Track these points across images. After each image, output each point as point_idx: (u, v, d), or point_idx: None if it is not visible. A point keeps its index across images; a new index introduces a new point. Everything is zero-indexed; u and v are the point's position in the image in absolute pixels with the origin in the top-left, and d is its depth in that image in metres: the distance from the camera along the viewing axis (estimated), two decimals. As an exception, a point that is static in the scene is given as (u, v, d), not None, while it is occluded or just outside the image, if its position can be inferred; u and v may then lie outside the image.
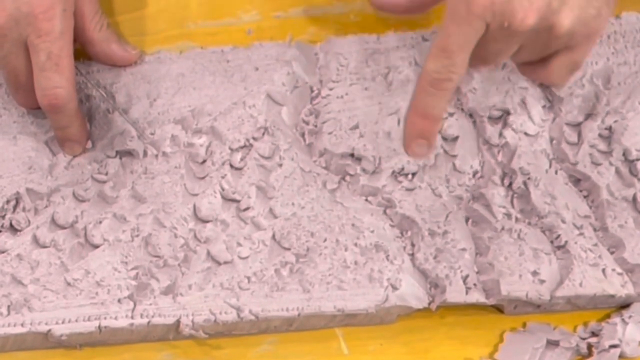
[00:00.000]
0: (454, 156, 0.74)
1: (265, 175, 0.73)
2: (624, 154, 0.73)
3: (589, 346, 0.70)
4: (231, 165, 0.73)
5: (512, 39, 0.65)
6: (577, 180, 0.74)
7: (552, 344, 0.69)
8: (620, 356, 0.69)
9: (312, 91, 0.77)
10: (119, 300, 0.69)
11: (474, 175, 0.74)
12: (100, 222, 0.71)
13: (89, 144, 0.74)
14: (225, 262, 0.70)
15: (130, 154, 0.74)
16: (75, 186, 0.73)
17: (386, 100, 0.75)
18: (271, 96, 0.75)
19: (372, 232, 0.71)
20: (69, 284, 0.69)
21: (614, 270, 0.70)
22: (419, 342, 0.71)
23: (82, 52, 0.76)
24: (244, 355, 0.70)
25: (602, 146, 0.74)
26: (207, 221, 0.71)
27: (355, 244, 0.71)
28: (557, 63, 0.68)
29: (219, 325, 0.69)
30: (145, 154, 0.73)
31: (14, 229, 0.72)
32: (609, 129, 0.74)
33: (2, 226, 0.71)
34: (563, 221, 0.71)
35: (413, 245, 0.71)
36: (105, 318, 0.68)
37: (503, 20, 0.63)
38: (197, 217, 0.72)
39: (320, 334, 0.71)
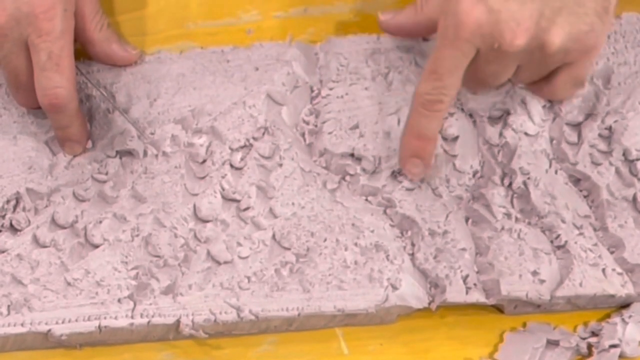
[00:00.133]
0: (454, 156, 0.74)
1: (265, 175, 0.73)
2: (624, 154, 0.73)
3: (589, 346, 0.70)
4: (231, 165, 0.73)
5: (505, 60, 0.67)
6: (577, 180, 0.74)
7: (552, 343, 0.69)
8: (620, 356, 0.69)
9: (312, 91, 0.77)
10: (119, 300, 0.69)
11: (474, 175, 0.74)
12: (101, 222, 0.71)
13: (89, 144, 0.74)
14: (225, 262, 0.70)
15: (130, 153, 0.74)
16: (76, 186, 0.73)
17: (386, 100, 0.75)
18: (271, 96, 0.75)
19: (372, 232, 0.71)
20: (69, 283, 0.69)
21: (614, 270, 0.70)
22: (419, 342, 0.71)
23: (83, 52, 0.76)
24: (244, 355, 0.70)
25: (602, 146, 0.74)
26: (207, 221, 0.71)
27: (355, 244, 0.71)
28: (559, 80, 0.70)
29: (219, 325, 0.69)
30: (145, 153, 0.73)
31: (14, 229, 0.72)
32: (609, 129, 0.74)
33: (2, 226, 0.72)
34: (563, 221, 0.71)
35: (413, 245, 0.71)
36: (105, 318, 0.68)
37: (492, 42, 0.65)
38: (197, 217, 0.72)
39: (320, 334, 0.71)
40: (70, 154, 0.74)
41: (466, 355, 0.70)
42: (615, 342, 0.68)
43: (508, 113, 0.75)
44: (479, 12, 0.65)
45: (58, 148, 0.74)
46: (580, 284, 0.69)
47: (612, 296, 0.69)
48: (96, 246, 0.70)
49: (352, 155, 0.74)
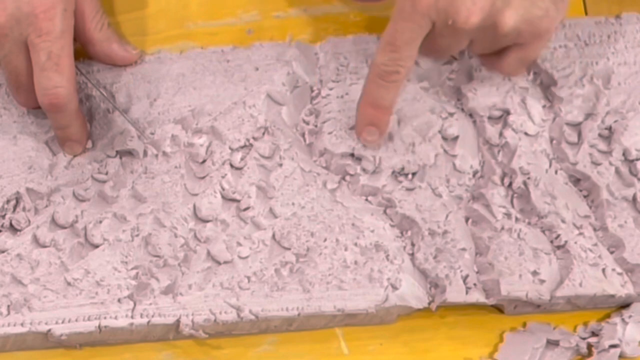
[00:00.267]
0: (454, 156, 0.74)
1: (265, 175, 0.73)
2: (624, 154, 0.73)
3: (589, 346, 0.70)
4: (231, 165, 0.73)
5: (459, 35, 0.68)
6: (577, 180, 0.74)
7: (552, 343, 0.69)
8: (620, 356, 0.69)
9: (312, 91, 0.77)
10: (119, 300, 0.69)
11: (474, 175, 0.74)
12: (101, 222, 0.71)
13: (89, 144, 0.74)
14: (225, 262, 0.70)
15: (130, 153, 0.74)
16: (76, 186, 0.73)
17: (386, 100, 0.75)
18: (271, 96, 0.75)
19: (372, 231, 0.71)
20: (69, 283, 0.69)
21: (614, 270, 0.70)
22: (419, 342, 0.71)
23: (83, 52, 0.76)
24: (244, 355, 0.70)
25: (602, 146, 0.74)
26: (207, 221, 0.71)
27: (355, 244, 0.71)
28: (509, 57, 0.71)
29: (219, 325, 0.69)
30: (145, 153, 0.73)
31: (14, 229, 0.72)
32: (609, 129, 0.74)
33: (2, 226, 0.72)
34: (563, 221, 0.71)
35: (413, 245, 0.71)
36: (105, 318, 0.68)
37: (447, 18, 0.66)
38: (197, 217, 0.72)
39: (320, 334, 0.71)
40: (70, 154, 0.74)
41: (466, 355, 0.70)
42: (615, 342, 0.68)
43: (508, 113, 0.75)
44: None
45: (58, 148, 0.74)
46: (580, 284, 0.69)
47: (612, 296, 0.69)
48: (96, 246, 0.70)
49: (352, 155, 0.74)
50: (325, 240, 0.71)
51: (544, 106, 0.75)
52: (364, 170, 0.73)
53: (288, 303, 0.69)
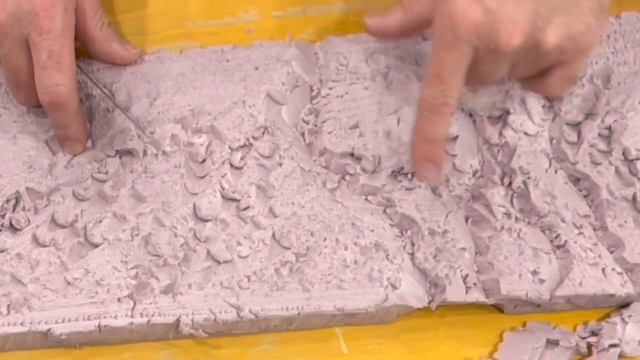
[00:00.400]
0: (454, 156, 0.74)
1: (265, 175, 0.73)
2: (624, 154, 0.73)
3: (589, 346, 0.70)
4: (231, 165, 0.73)
5: (501, 59, 0.67)
6: (577, 180, 0.74)
7: (552, 343, 0.69)
8: (620, 356, 0.69)
9: (312, 91, 0.77)
10: (119, 300, 0.68)
11: (474, 175, 0.74)
12: (101, 222, 0.71)
13: (89, 143, 0.74)
14: (225, 262, 0.70)
15: (130, 153, 0.74)
16: (76, 185, 0.73)
17: (386, 100, 0.75)
18: (271, 96, 0.75)
19: (372, 231, 0.71)
20: (69, 283, 0.69)
21: (614, 269, 0.70)
22: (419, 342, 0.71)
23: (83, 52, 0.76)
24: (244, 355, 0.70)
25: (602, 146, 0.74)
26: (207, 221, 0.71)
27: (356, 244, 0.71)
28: (553, 78, 0.69)
29: (219, 325, 0.69)
30: (145, 153, 0.73)
31: (14, 229, 0.72)
32: (609, 128, 0.74)
33: (2, 225, 0.72)
34: (563, 221, 0.71)
35: (413, 244, 0.71)
36: (105, 317, 0.68)
37: (489, 42, 0.65)
38: (197, 217, 0.72)
39: (320, 333, 0.71)
40: (71, 153, 0.74)
41: (466, 355, 0.70)
42: (615, 342, 0.68)
43: (508, 113, 0.75)
44: (476, 12, 0.65)
45: (58, 147, 0.74)
46: (580, 284, 0.69)
47: (612, 296, 0.70)
48: (96, 246, 0.70)
49: (352, 155, 0.74)
50: (325, 240, 0.71)
51: (544, 106, 0.75)
52: (363, 170, 0.73)
53: (288, 303, 0.69)
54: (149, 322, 0.68)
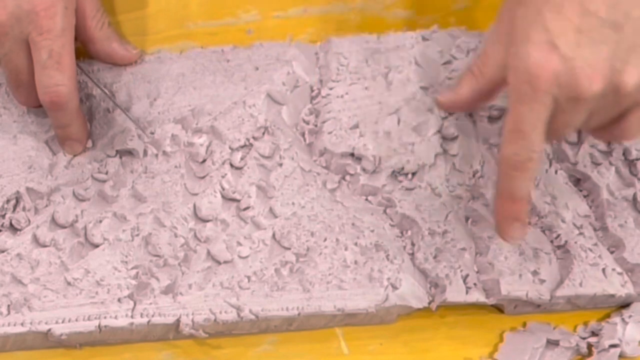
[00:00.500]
0: (454, 156, 0.74)
1: (265, 175, 0.73)
2: (624, 154, 0.73)
3: (589, 346, 0.70)
4: (231, 165, 0.73)
5: (581, 107, 0.64)
6: (577, 180, 0.74)
7: (552, 343, 0.69)
8: (620, 356, 0.69)
9: (312, 91, 0.77)
10: (119, 300, 0.68)
11: (474, 175, 0.74)
12: (101, 222, 0.71)
13: (89, 143, 0.74)
14: (225, 262, 0.70)
15: (130, 153, 0.74)
16: (76, 185, 0.73)
17: (386, 100, 0.75)
18: (271, 96, 0.75)
19: (372, 231, 0.71)
20: (69, 283, 0.69)
21: (614, 269, 0.70)
22: (419, 342, 0.71)
23: (83, 51, 0.76)
24: (244, 355, 0.70)
25: (602, 146, 0.74)
26: (207, 221, 0.71)
27: (356, 244, 0.71)
28: (629, 120, 0.66)
29: (219, 325, 0.69)
30: (145, 153, 0.73)
31: (14, 229, 0.71)
32: (609, 128, 0.74)
33: (2, 225, 0.71)
34: (563, 221, 0.71)
35: (413, 244, 0.71)
36: (105, 317, 0.68)
37: (569, 91, 0.63)
38: (197, 217, 0.72)
39: (320, 333, 0.71)
40: (71, 153, 0.74)
41: (466, 355, 0.70)
42: (615, 342, 0.68)
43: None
44: (553, 62, 0.62)
45: (58, 147, 0.74)
46: (580, 284, 0.69)
47: (612, 296, 0.70)
48: (96, 246, 0.70)
49: (352, 155, 0.74)
50: (325, 239, 0.71)
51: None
52: (363, 170, 0.73)
53: (288, 303, 0.69)
54: (149, 322, 0.68)
